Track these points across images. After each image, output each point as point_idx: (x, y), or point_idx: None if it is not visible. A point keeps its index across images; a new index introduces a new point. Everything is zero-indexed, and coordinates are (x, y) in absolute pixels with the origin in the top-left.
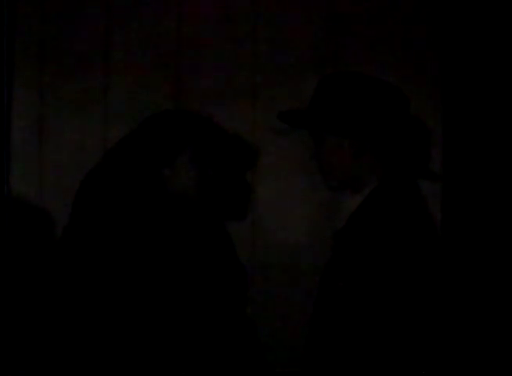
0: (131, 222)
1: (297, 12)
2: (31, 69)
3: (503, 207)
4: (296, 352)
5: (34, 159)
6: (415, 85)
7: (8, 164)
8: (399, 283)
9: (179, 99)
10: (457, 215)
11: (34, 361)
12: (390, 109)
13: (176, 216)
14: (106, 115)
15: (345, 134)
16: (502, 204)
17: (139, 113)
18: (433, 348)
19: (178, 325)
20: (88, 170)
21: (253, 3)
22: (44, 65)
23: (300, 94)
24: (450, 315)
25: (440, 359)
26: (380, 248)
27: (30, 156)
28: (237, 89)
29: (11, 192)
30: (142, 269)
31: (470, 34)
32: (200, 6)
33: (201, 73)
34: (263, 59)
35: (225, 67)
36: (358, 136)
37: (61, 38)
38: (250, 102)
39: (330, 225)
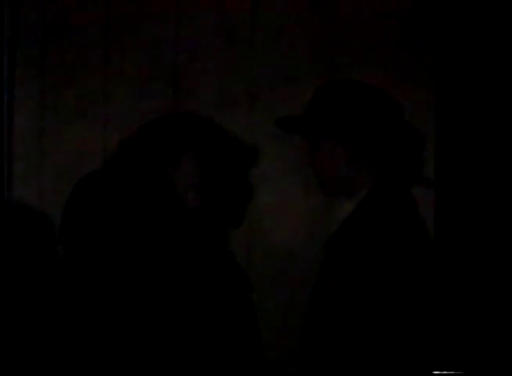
0: (136, 220)
1: (296, 18)
2: (33, 75)
3: (497, 212)
4: (293, 353)
5: (35, 163)
6: (409, 92)
7: (9, 167)
8: (390, 286)
9: (178, 105)
10: (450, 221)
11: (33, 362)
12: (383, 116)
13: (180, 216)
14: (106, 120)
15: (340, 139)
16: (496, 209)
17: (138, 118)
18: (422, 349)
19: (179, 325)
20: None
21: (251, 10)
22: (45, 71)
23: (297, 99)
24: (441, 317)
25: (429, 359)
26: (372, 252)
27: (30, 160)
28: (235, 95)
29: (12, 195)
30: (145, 269)
31: (466, 42)
32: (198, 13)
33: (199, 79)
34: (261, 66)
35: (223, 73)
36: (352, 142)
37: (62, 45)
38: (247, 108)
39: (326, 229)
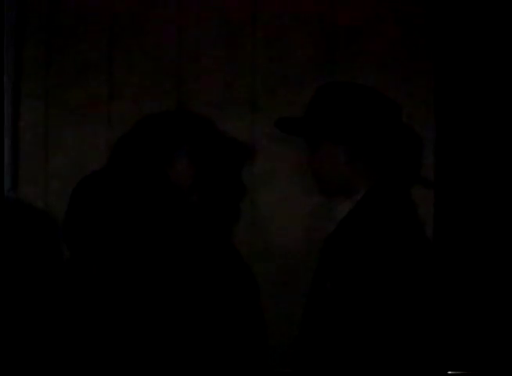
0: (138, 218)
1: (296, 19)
2: (38, 75)
3: (496, 212)
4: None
5: (40, 163)
6: (409, 93)
7: (14, 167)
8: (386, 286)
9: (181, 106)
10: (450, 221)
11: (34, 362)
12: (382, 117)
13: (182, 213)
14: (111, 120)
15: (339, 140)
16: (496, 209)
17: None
18: (421, 349)
19: (184, 322)
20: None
21: (252, 12)
22: (50, 72)
23: (298, 101)
24: (439, 317)
25: (429, 358)
26: (368, 252)
27: (36, 160)
28: (237, 97)
29: (17, 195)
30: (149, 267)
31: (466, 43)
32: (200, 17)
33: (201, 81)
34: (262, 67)
35: (225, 76)
36: (352, 143)
37: (67, 46)
38: (249, 109)
39: (325, 229)
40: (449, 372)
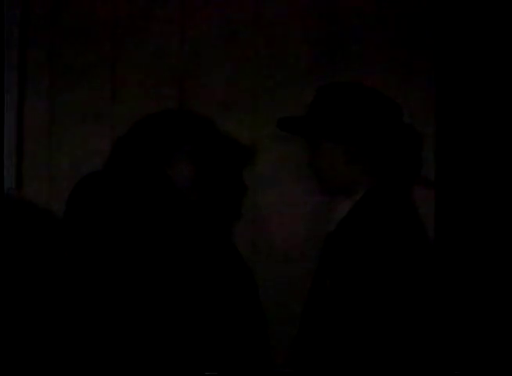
0: (137, 218)
1: (297, 20)
2: (42, 76)
3: (497, 212)
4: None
5: (44, 163)
6: (409, 92)
7: (19, 167)
8: (385, 285)
9: (183, 106)
10: (451, 221)
11: (34, 362)
12: (383, 117)
13: (182, 213)
14: (114, 121)
15: (339, 140)
16: (496, 209)
17: None
18: (420, 348)
19: (183, 321)
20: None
21: (254, 13)
22: (54, 72)
23: (298, 101)
24: (440, 317)
25: (429, 358)
26: (367, 251)
27: (40, 160)
28: (238, 97)
29: (21, 194)
30: (149, 267)
31: (466, 42)
32: (202, 19)
33: (203, 82)
34: (263, 67)
35: (227, 76)
36: (352, 143)
37: (71, 47)
38: (250, 109)
39: (326, 229)
40: (456, 372)
